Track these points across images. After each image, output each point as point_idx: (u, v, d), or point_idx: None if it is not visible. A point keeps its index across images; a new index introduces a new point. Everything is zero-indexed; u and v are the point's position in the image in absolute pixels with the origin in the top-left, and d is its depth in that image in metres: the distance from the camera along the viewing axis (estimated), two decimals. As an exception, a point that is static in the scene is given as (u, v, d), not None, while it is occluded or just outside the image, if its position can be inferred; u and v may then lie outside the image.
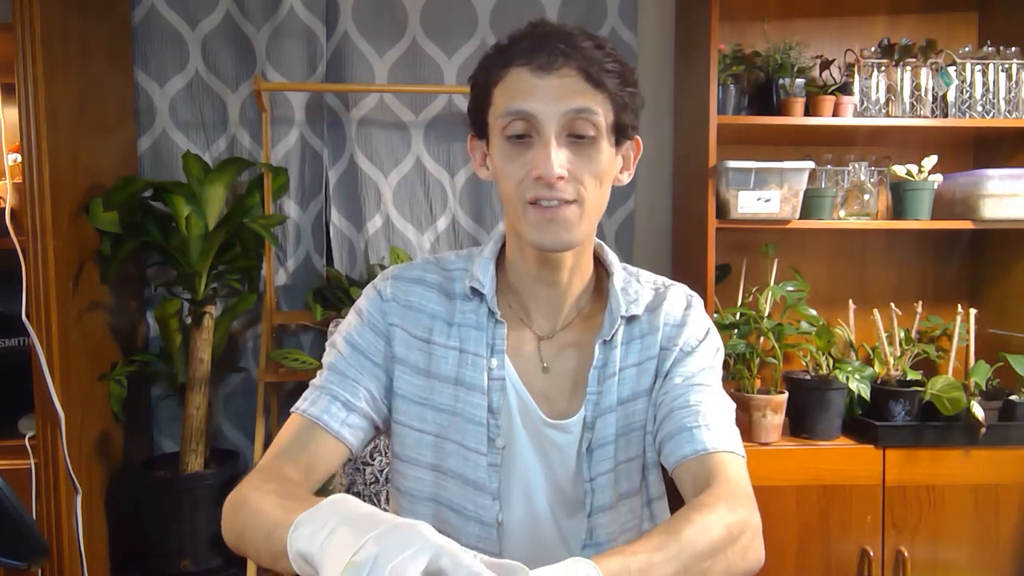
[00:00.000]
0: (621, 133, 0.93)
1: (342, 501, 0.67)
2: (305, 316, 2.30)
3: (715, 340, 1.01)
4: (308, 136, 2.40)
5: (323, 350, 1.01)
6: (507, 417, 0.96)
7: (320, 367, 1.00)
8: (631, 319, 1.00)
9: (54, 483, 1.88)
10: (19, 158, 1.86)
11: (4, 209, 1.90)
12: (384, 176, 2.41)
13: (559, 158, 0.87)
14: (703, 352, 0.99)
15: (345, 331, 1.00)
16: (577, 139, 0.88)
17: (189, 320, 2.18)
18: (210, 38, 2.36)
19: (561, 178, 0.87)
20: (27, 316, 1.83)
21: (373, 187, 2.39)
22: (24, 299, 1.83)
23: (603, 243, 1.04)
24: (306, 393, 0.97)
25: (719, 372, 1.00)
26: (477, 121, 0.96)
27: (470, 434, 0.95)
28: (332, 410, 0.94)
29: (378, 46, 2.38)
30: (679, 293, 1.04)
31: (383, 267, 2.28)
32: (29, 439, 1.86)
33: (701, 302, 1.04)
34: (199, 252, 2.12)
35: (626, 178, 0.98)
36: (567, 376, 0.98)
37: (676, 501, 0.91)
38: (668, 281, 1.06)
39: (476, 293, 0.98)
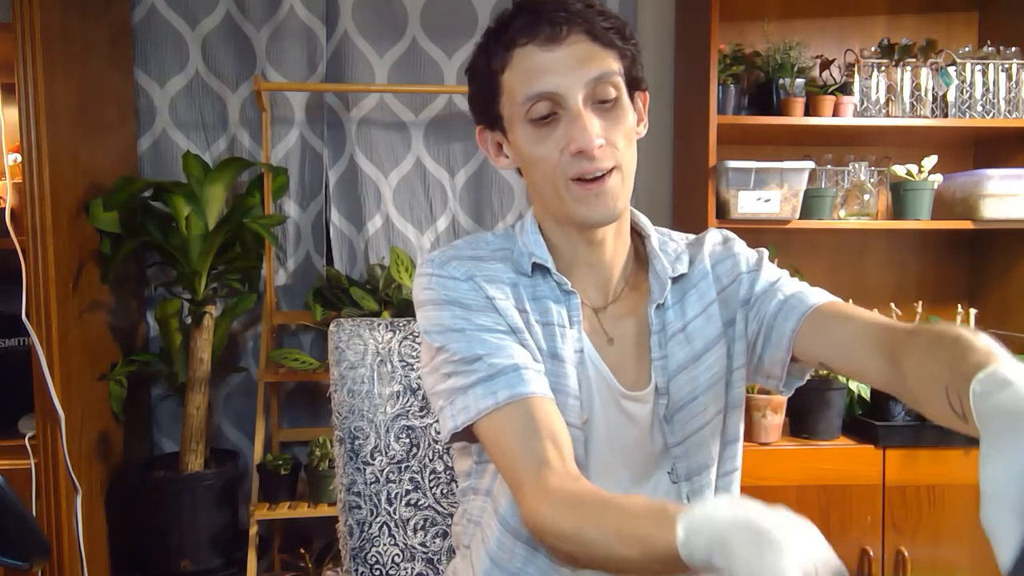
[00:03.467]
0: (635, 87, 0.91)
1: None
2: (305, 316, 2.30)
3: (768, 259, 1.00)
4: (308, 136, 2.40)
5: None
6: (587, 390, 0.93)
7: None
8: (677, 278, 0.97)
9: (54, 483, 1.88)
10: (19, 158, 1.86)
11: (4, 209, 1.90)
12: (384, 176, 2.41)
13: (595, 127, 0.84)
14: (767, 268, 0.98)
15: (449, 325, 0.89)
16: (602, 104, 0.86)
17: (189, 320, 2.18)
18: (210, 38, 2.36)
19: (600, 147, 0.85)
20: (27, 316, 1.83)
21: (373, 187, 2.39)
22: (24, 299, 1.83)
23: (632, 207, 1.02)
24: (465, 401, 0.86)
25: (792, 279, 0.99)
26: (485, 113, 0.93)
27: (568, 409, 0.91)
28: (524, 378, 0.86)
29: (378, 46, 2.38)
30: (714, 234, 1.03)
31: (383, 267, 2.28)
32: (29, 439, 1.86)
33: (737, 236, 1.03)
34: (199, 252, 2.12)
35: (643, 129, 0.95)
36: (630, 346, 0.96)
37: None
38: (700, 234, 1.05)
39: (536, 268, 0.94)
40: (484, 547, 0.97)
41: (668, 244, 1.01)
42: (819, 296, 0.92)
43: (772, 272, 0.98)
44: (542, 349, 0.92)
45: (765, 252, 1.01)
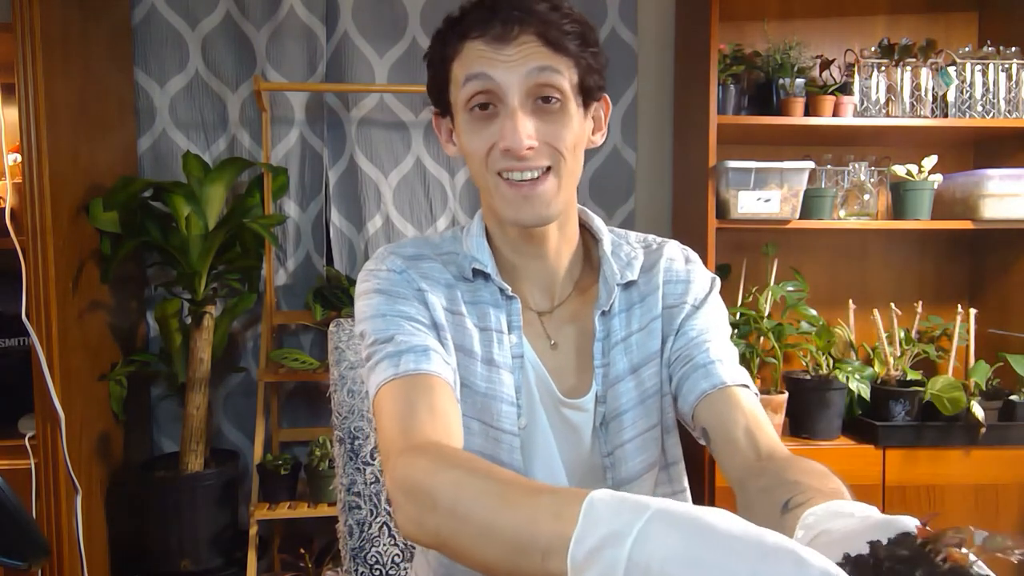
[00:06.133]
0: (588, 95, 0.89)
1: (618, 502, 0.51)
2: (305, 316, 2.30)
3: (718, 292, 1.00)
4: (308, 136, 2.40)
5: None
6: (528, 396, 0.93)
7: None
8: (627, 285, 0.97)
9: (54, 483, 1.88)
10: (19, 158, 1.86)
11: (4, 209, 1.90)
12: (384, 176, 2.41)
13: (526, 128, 0.83)
14: (712, 305, 0.97)
15: (373, 311, 0.89)
16: (544, 103, 0.85)
17: (189, 320, 2.18)
18: (210, 38, 2.36)
19: (531, 148, 0.83)
20: (27, 316, 1.83)
21: (373, 187, 2.39)
22: (24, 299, 1.83)
23: (586, 208, 1.01)
24: (373, 377, 0.85)
25: (727, 324, 0.98)
26: (439, 100, 0.93)
27: (503, 415, 0.91)
28: (432, 358, 0.84)
29: (378, 46, 2.38)
30: (674, 249, 1.01)
31: (383, 267, 2.28)
32: (29, 439, 1.86)
33: (698, 255, 1.02)
34: (199, 252, 2.12)
35: (599, 139, 0.95)
36: (572, 352, 0.95)
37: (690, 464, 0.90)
38: (659, 239, 1.03)
39: (478, 273, 0.94)
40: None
41: (622, 248, 1.00)
42: (729, 374, 0.90)
43: (711, 316, 0.96)
44: (477, 353, 0.92)
45: (717, 284, 1.00)
